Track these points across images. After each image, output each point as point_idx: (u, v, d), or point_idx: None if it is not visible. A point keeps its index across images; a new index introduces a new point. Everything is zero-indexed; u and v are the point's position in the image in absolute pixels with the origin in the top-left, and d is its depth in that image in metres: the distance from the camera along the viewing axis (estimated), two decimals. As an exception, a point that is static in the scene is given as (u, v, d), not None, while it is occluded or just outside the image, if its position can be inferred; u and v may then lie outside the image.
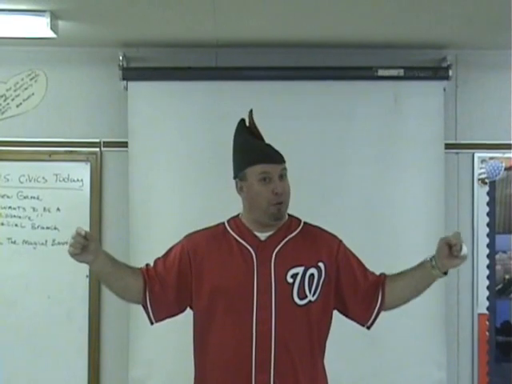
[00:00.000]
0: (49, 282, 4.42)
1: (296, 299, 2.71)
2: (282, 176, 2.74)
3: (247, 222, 2.80)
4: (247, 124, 2.82)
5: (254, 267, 2.71)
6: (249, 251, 2.74)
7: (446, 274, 2.75)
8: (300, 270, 2.72)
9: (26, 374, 4.41)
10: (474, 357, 4.43)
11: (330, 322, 2.84)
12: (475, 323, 4.44)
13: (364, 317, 2.85)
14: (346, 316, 2.89)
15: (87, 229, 4.37)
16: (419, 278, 2.77)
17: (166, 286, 2.79)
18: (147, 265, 2.86)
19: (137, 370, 4.30)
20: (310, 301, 2.73)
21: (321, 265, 2.75)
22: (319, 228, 2.88)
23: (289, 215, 2.84)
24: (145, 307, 2.82)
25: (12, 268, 4.43)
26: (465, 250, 2.63)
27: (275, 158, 2.75)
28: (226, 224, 2.85)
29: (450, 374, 4.34)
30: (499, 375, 4.43)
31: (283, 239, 2.77)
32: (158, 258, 2.86)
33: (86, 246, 2.63)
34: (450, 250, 2.65)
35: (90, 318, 4.42)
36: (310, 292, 2.73)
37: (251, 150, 2.77)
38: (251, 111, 2.82)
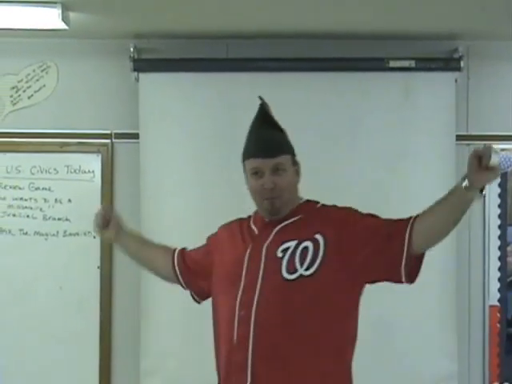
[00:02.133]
0: (60, 273, 4.43)
1: (284, 273, 2.53)
2: (278, 170, 2.63)
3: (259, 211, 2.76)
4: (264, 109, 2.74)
5: (248, 247, 2.66)
6: (254, 232, 2.71)
7: (482, 192, 2.36)
8: (293, 243, 2.57)
9: (38, 364, 4.42)
10: (485, 348, 4.43)
11: (344, 303, 2.56)
12: (486, 315, 4.43)
13: (393, 270, 2.50)
14: (382, 280, 2.58)
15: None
16: (453, 203, 2.42)
17: (194, 271, 2.90)
18: (182, 249, 2.97)
19: (148, 361, 4.31)
20: (301, 275, 2.52)
21: (318, 237, 2.57)
22: (333, 206, 2.71)
23: (307, 200, 2.75)
24: (182, 286, 2.97)
25: (24, 259, 4.44)
26: (494, 158, 2.27)
27: (265, 152, 2.63)
28: (253, 214, 2.80)
29: (461, 366, 4.33)
30: (510, 367, 4.43)
31: (288, 219, 2.67)
32: (192, 249, 2.96)
33: (107, 222, 2.91)
34: (479, 163, 2.29)
35: (101, 308, 4.43)
36: (301, 266, 2.53)
37: (248, 142, 2.72)
38: (260, 97, 2.73)
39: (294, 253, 2.56)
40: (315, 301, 2.53)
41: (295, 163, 2.72)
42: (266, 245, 2.63)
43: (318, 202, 2.75)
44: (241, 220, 2.84)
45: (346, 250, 2.55)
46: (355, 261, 2.54)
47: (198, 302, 2.97)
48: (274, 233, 2.65)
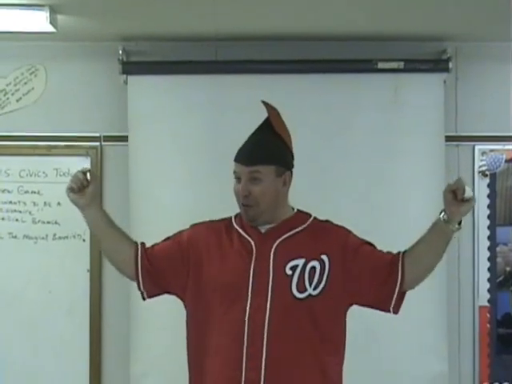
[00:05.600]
0: (50, 276, 4.42)
1: (295, 292, 2.60)
2: (255, 179, 2.64)
3: None
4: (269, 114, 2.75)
5: (252, 259, 2.65)
6: (249, 242, 2.68)
7: (460, 224, 2.58)
8: (300, 262, 2.62)
9: (27, 368, 4.42)
10: (475, 349, 4.44)
11: (341, 324, 2.70)
12: (476, 316, 4.44)
13: (386, 301, 2.68)
14: (370, 306, 2.74)
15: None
16: (436, 238, 2.61)
17: (157, 258, 2.76)
18: (145, 248, 2.81)
19: (138, 366, 4.29)
20: (310, 294, 2.60)
21: (324, 257, 2.64)
22: (328, 222, 2.78)
23: (298, 210, 2.77)
24: (136, 277, 2.76)
25: (13, 263, 4.43)
26: (468, 191, 2.51)
27: (243, 159, 2.66)
28: (233, 218, 2.79)
29: (452, 366, 4.34)
30: (500, 367, 4.44)
31: (286, 232, 2.69)
32: (160, 244, 2.84)
33: (84, 187, 2.67)
34: (454, 196, 2.52)
35: (90, 312, 4.42)
36: (310, 285, 2.61)
37: (241, 145, 2.74)
38: (262, 101, 2.74)
39: (302, 272, 2.62)
40: (319, 319, 2.62)
41: (281, 174, 2.70)
42: (271, 260, 2.64)
43: (308, 214, 2.78)
44: (221, 222, 2.79)
45: (348, 276, 2.66)
46: (353, 288, 2.67)
47: (144, 299, 2.83)
48: (275, 246, 2.66)
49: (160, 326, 4.28)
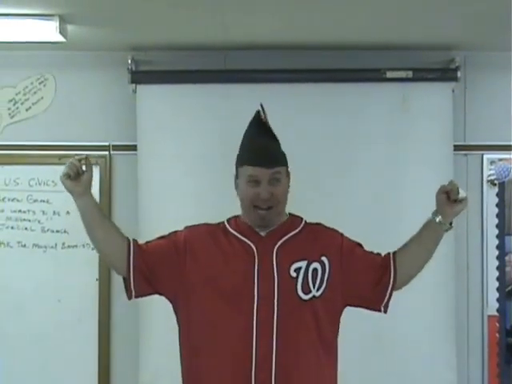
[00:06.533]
0: (59, 285, 4.43)
1: (300, 293, 2.63)
2: (275, 180, 2.66)
3: (246, 220, 2.75)
4: (261, 116, 2.74)
5: (254, 262, 2.65)
6: (249, 246, 2.68)
7: (451, 224, 2.70)
8: (303, 263, 2.65)
9: (36, 377, 4.42)
10: (484, 359, 4.43)
11: (337, 325, 2.75)
12: (485, 325, 4.43)
13: (378, 300, 2.76)
14: (363, 307, 2.79)
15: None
16: (427, 238, 2.72)
17: (152, 256, 2.72)
18: (138, 244, 2.76)
19: (147, 375, 4.29)
20: (314, 296, 2.64)
21: (324, 259, 2.68)
22: (320, 224, 2.81)
23: (290, 214, 2.80)
24: (127, 273, 2.71)
25: (22, 271, 4.44)
26: (462, 192, 2.62)
27: (265, 162, 2.65)
28: (226, 223, 2.79)
29: (461, 376, 4.33)
30: (509, 377, 4.42)
31: (285, 235, 2.71)
32: (155, 242, 2.80)
33: (80, 175, 2.61)
34: (447, 197, 2.65)
35: (99, 321, 4.43)
36: (313, 287, 2.65)
37: (246, 148, 2.73)
38: (261, 105, 2.74)
39: (306, 273, 2.66)
40: (321, 319, 2.67)
41: (288, 174, 2.76)
42: (275, 262, 2.66)
43: (300, 217, 2.81)
44: (216, 226, 2.79)
45: (345, 277, 2.72)
46: (349, 289, 2.73)
47: (130, 298, 2.78)
48: (276, 249, 2.68)
49: (169, 334, 4.27)
